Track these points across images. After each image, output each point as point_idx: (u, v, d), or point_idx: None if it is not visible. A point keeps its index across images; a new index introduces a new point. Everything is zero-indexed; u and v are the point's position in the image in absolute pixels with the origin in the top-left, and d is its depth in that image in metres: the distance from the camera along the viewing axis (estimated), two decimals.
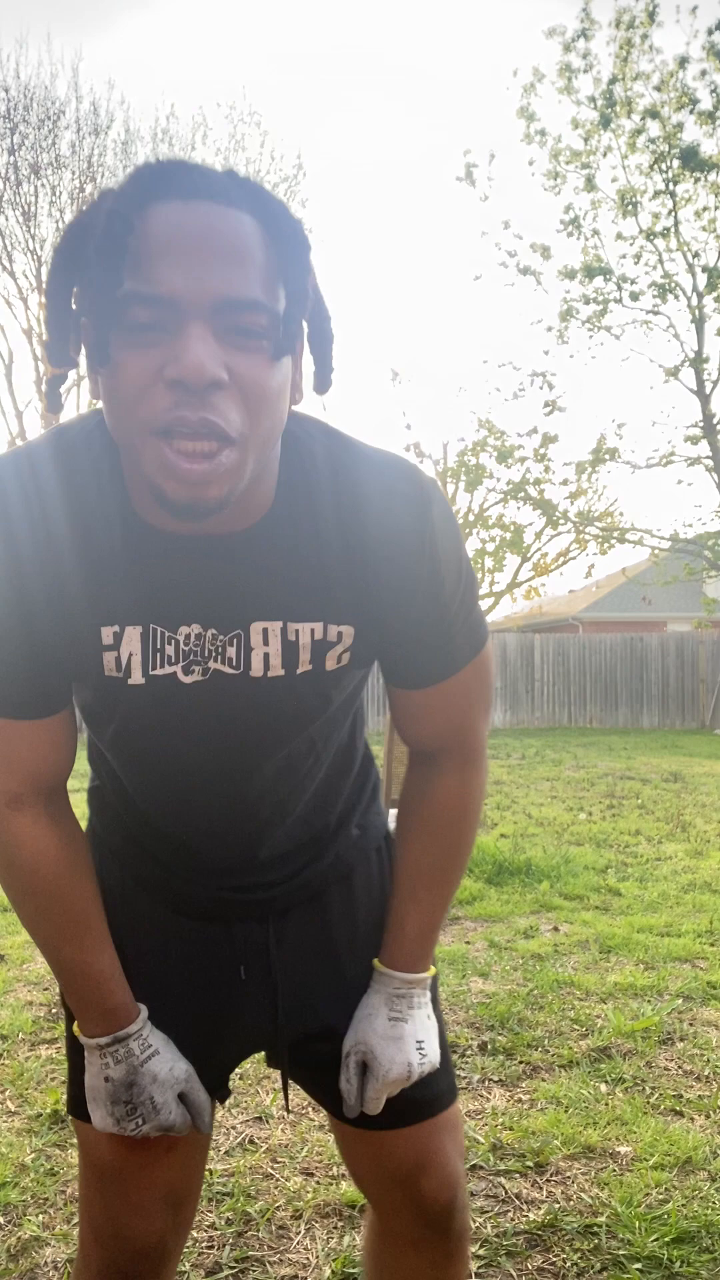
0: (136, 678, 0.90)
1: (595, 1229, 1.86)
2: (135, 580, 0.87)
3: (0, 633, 0.87)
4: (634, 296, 15.79)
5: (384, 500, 0.89)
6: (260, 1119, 2.30)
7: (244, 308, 0.74)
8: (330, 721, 1.02)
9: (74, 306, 0.78)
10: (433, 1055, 1.04)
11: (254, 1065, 2.57)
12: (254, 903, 1.06)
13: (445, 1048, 1.11)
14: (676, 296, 15.71)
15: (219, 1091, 1.10)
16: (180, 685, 0.90)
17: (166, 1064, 1.00)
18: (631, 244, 15.55)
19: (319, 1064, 1.09)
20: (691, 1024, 2.88)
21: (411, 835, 1.06)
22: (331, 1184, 2.02)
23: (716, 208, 15.03)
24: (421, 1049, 1.03)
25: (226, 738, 0.96)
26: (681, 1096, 2.42)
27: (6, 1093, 2.44)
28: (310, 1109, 2.35)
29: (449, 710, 1.01)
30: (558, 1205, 1.94)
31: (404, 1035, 1.03)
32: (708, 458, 15.41)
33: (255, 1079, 2.51)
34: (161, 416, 0.74)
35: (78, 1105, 1.05)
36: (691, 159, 14.30)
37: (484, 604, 12.44)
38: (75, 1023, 1.01)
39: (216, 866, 1.04)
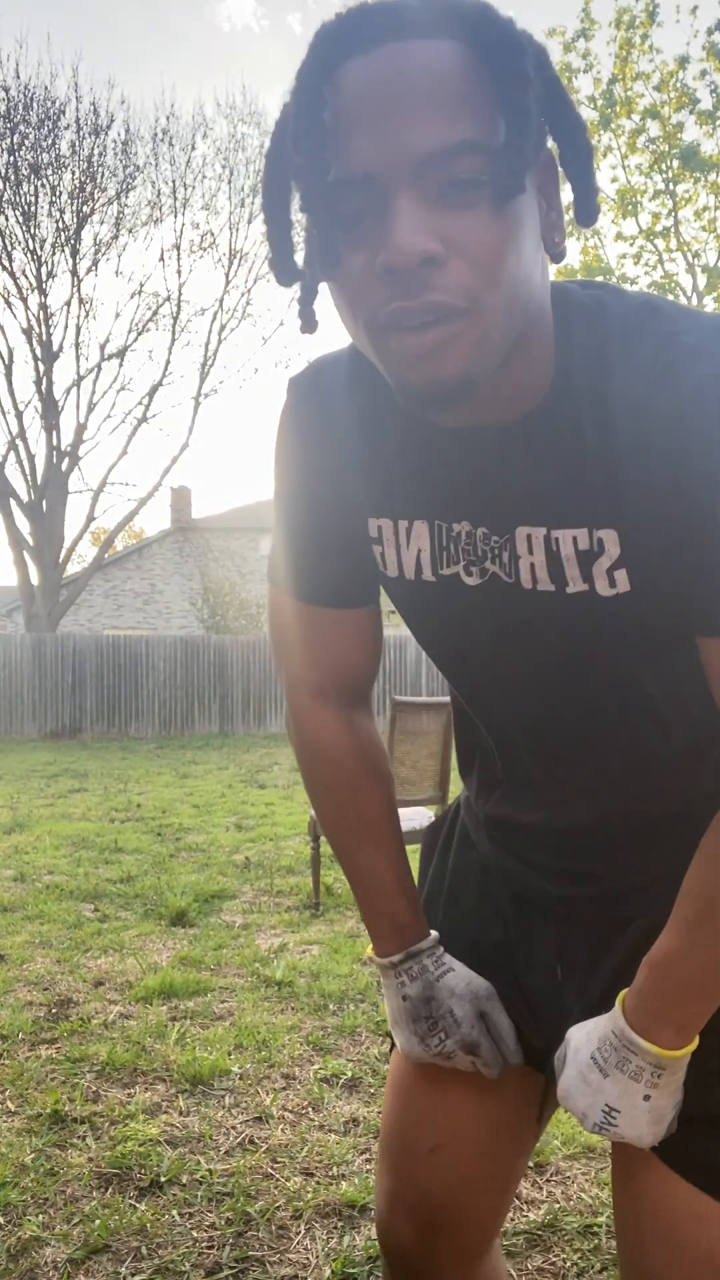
0: (412, 571, 0.86)
1: (595, 1229, 1.86)
2: (408, 474, 0.83)
3: (296, 518, 0.90)
4: None
5: (669, 372, 0.70)
6: (260, 1119, 2.30)
7: (452, 156, 0.62)
8: (663, 682, 0.83)
9: (296, 211, 0.70)
10: (629, 1134, 0.83)
11: (254, 1065, 2.58)
12: (581, 899, 0.94)
13: None
14: (676, 297, 15.72)
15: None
16: (463, 588, 0.83)
17: (463, 979, 0.96)
18: (631, 244, 15.57)
19: None
20: None
21: (700, 845, 0.81)
22: (331, 1184, 2.02)
23: (716, 208, 15.06)
24: (611, 1118, 0.83)
25: (510, 656, 0.85)
26: None
27: (6, 1093, 2.44)
28: (310, 1109, 2.36)
29: None
30: (558, 1205, 1.94)
31: (593, 1085, 0.84)
32: None
33: (255, 1079, 2.51)
34: (381, 313, 0.65)
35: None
36: (691, 159, 14.31)
37: None
38: (370, 947, 0.99)
39: (544, 838, 0.95)
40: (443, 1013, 0.94)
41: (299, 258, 0.71)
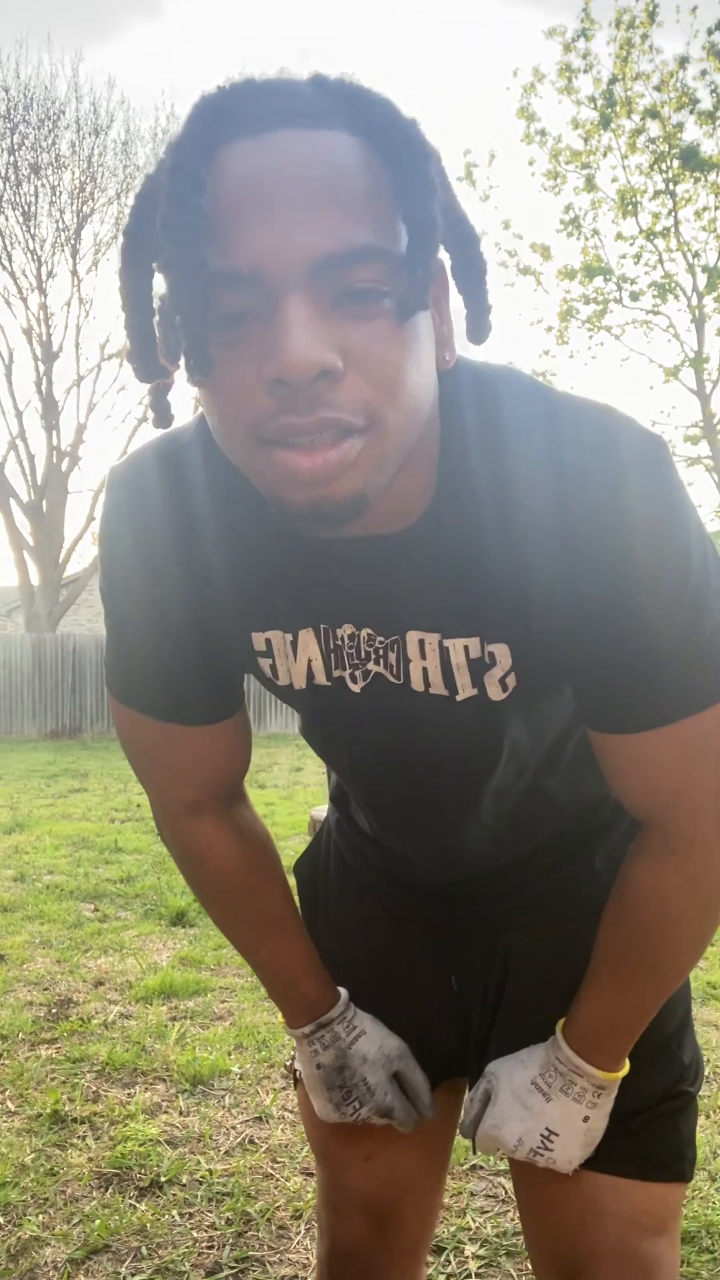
0: (304, 679, 0.81)
1: None
2: (281, 584, 0.77)
3: (151, 636, 0.80)
4: (634, 296, 15.81)
5: (554, 478, 0.67)
6: (260, 1119, 2.31)
7: (350, 260, 0.56)
8: (540, 739, 0.86)
9: (156, 300, 0.63)
10: (560, 1158, 0.87)
11: (254, 1065, 2.58)
12: (474, 917, 0.97)
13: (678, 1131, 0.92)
14: (676, 296, 15.73)
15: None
16: (350, 693, 0.80)
17: (375, 1043, 0.95)
18: (631, 244, 15.59)
19: None
20: None
21: (607, 907, 0.85)
22: None
23: (716, 208, 15.06)
24: (548, 1143, 0.86)
25: (403, 754, 0.84)
26: None
27: (6, 1093, 2.44)
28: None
29: (649, 774, 0.75)
30: None
31: (534, 1110, 0.87)
32: (707, 458, 15.42)
33: (255, 1079, 2.51)
34: (266, 425, 0.58)
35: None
36: (691, 159, 14.32)
37: None
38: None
39: (428, 873, 0.97)
40: (356, 1081, 0.94)
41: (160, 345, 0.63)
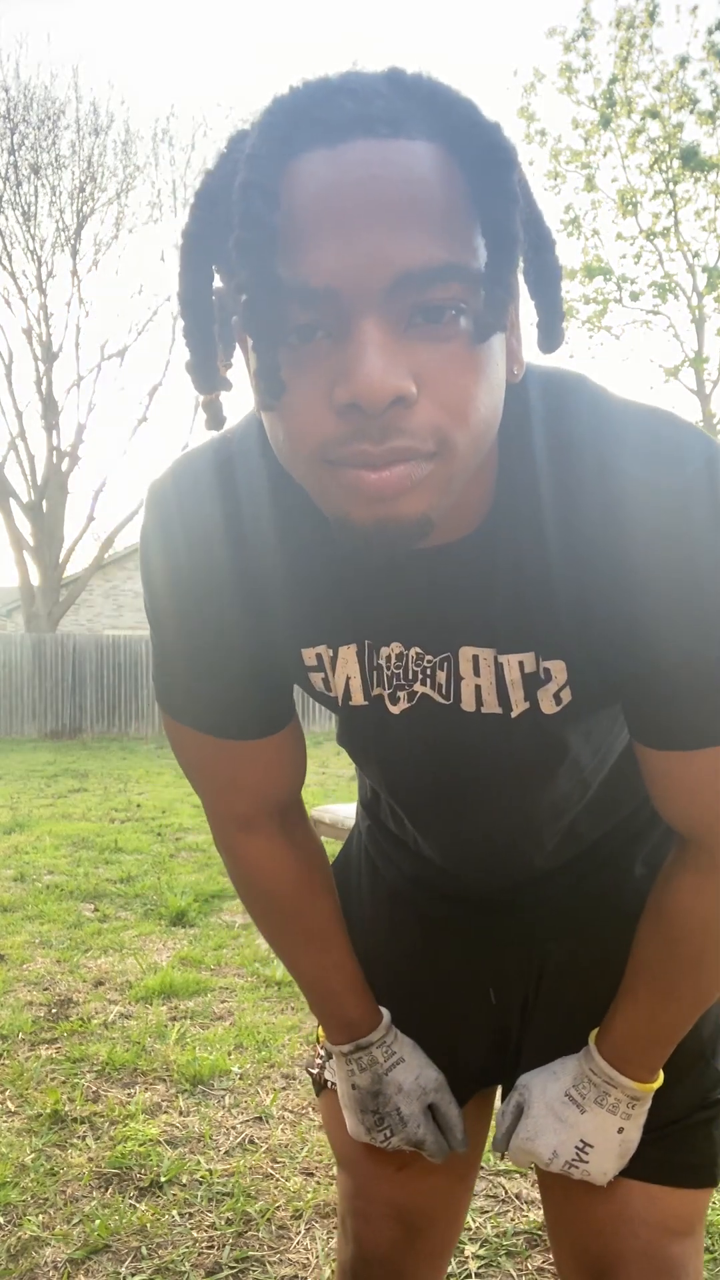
0: (341, 698, 0.79)
1: None
2: (332, 597, 0.75)
3: (201, 651, 0.79)
4: (634, 296, 15.82)
5: (619, 491, 0.65)
6: (260, 1119, 2.30)
7: (429, 279, 0.54)
8: (598, 753, 0.85)
9: (216, 309, 0.61)
10: (595, 1170, 0.86)
11: (254, 1065, 2.58)
12: (512, 927, 0.96)
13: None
14: (676, 296, 15.75)
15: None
16: (389, 713, 0.78)
17: (412, 1072, 0.94)
18: (631, 244, 15.60)
19: None
20: None
21: (644, 919, 0.84)
22: (331, 1184, 2.02)
23: (716, 208, 15.07)
24: (583, 1155, 0.86)
25: (449, 773, 0.83)
26: None
27: (6, 1093, 2.44)
28: (311, 1109, 2.35)
29: (700, 791, 0.73)
30: None
31: (568, 1122, 0.87)
32: None
33: (255, 1079, 2.51)
34: (336, 449, 0.57)
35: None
36: (691, 159, 14.33)
37: None
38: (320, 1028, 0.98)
39: (469, 884, 0.95)
40: (389, 1109, 0.93)
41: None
